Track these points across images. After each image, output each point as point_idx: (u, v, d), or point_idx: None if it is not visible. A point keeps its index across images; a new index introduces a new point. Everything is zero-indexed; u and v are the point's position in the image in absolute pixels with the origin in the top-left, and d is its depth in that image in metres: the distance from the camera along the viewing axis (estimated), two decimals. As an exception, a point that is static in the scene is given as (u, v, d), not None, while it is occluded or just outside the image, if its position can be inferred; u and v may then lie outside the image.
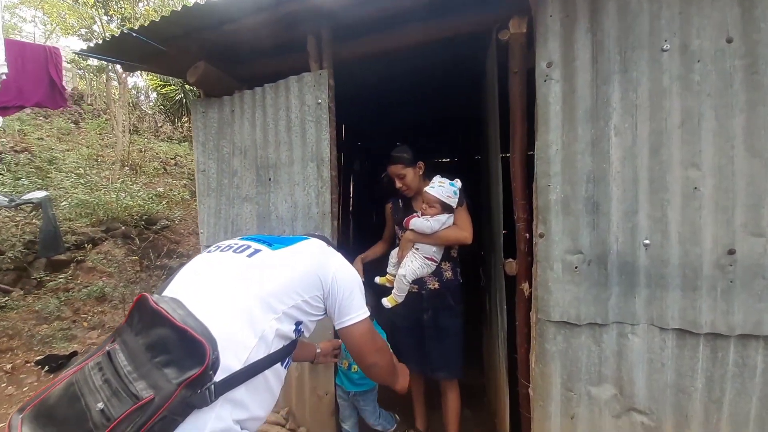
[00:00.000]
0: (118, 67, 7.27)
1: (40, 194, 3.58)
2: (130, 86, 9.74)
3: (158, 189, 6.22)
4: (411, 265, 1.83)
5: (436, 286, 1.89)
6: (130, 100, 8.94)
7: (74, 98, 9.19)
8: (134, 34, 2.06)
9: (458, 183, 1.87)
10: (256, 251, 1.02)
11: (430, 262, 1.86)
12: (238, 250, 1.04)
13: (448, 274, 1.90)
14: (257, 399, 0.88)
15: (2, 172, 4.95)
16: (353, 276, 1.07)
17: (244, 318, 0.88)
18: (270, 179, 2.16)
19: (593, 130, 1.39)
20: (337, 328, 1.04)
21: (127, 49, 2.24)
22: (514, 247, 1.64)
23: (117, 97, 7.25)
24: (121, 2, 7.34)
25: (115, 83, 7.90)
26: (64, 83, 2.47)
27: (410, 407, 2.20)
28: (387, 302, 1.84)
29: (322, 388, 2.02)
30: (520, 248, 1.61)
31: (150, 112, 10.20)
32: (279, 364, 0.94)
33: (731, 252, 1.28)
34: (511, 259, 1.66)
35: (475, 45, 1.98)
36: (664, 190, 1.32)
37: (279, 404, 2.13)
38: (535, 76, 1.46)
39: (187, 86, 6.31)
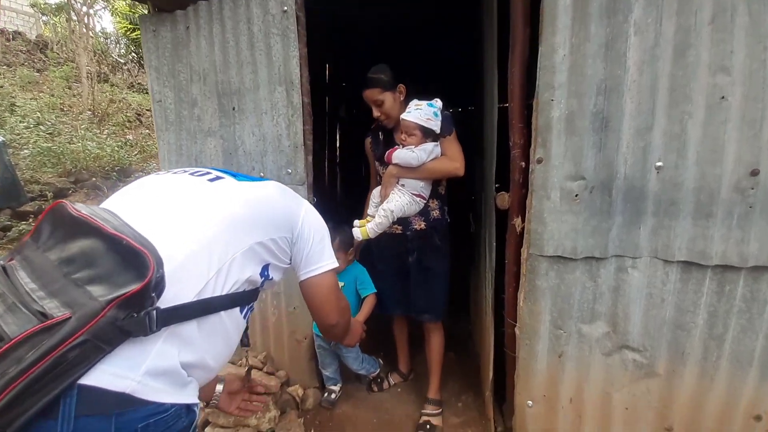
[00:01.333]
0: (77, 4, 6.51)
1: (-10, 138, 3.24)
2: (97, 31, 8.87)
3: (128, 137, 5.81)
4: (399, 200, 1.62)
5: (422, 226, 1.71)
6: (99, 48, 8.17)
7: (39, 46, 8.37)
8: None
9: (438, 103, 1.62)
10: (218, 178, 0.87)
11: (418, 199, 1.67)
12: (195, 174, 0.87)
13: (436, 213, 1.73)
14: (210, 343, 0.73)
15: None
16: (322, 223, 0.95)
17: (202, 244, 0.71)
18: (234, 108, 1.89)
19: (609, 27, 1.15)
20: (302, 278, 0.90)
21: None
22: (508, 179, 1.46)
23: (78, 39, 6.55)
24: None
25: (78, 24, 7.13)
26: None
27: (393, 350, 2.14)
28: (358, 233, 1.64)
29: (301, 333, 1.92)
30: (514, 178, 1.43)
31: (122, 61, 9.42)
32: (238, 310, 0.79)
33: (754, 173, 1.11)
34: (503, 192, 1.49)
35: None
36: (687, 101, 1.12)
37: (256, 348, 2.04)
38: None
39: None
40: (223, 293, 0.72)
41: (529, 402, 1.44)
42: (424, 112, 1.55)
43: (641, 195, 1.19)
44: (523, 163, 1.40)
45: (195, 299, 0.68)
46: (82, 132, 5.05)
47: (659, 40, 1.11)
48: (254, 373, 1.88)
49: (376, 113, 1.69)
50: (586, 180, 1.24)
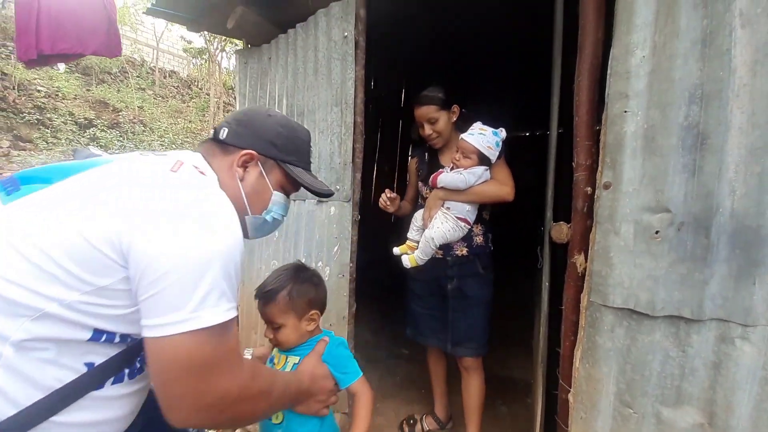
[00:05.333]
0: (212, 47, 8.05)
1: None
2: (224, 67, 10.73)
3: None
4: (441, 227, 1.54)
5: (464, 252, 1.57)
6: (225, 80, 9.90)
7: (187, 83, 10.58)
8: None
9: (503, 133, 1.54)
10: (13, 191, 0.59)
11: (463, 224, 1.54)
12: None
13: (479, 239, 1.57)
14: None
15: (120, 138, 5.90)
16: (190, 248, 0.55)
17: None
18: (298, 128, 2.03)
19: (706, 19, 0.89)
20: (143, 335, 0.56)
21: (183, 4, 2.30)
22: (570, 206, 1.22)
23: (210, 75, 8.06)
24: None
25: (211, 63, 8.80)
26: (120, 32, 2.69)
27: (429, 387, 1.93)
28: (407, 261, 1.60)
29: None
30: (577, 207, 1.18)
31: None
32: (108, 383, 0.60)
33: None
34: (561, 222, 1.25)
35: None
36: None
37: None
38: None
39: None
40: (42, 397, 0.52)
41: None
42: (487, 139, 1.48)
43: (757, 239, 0.85)
44: (589, 188, 1.15)
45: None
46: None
47: (783, 30, 0.81)
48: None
49: (428, 131, 1.63)
50: (671, 213, 0.95)
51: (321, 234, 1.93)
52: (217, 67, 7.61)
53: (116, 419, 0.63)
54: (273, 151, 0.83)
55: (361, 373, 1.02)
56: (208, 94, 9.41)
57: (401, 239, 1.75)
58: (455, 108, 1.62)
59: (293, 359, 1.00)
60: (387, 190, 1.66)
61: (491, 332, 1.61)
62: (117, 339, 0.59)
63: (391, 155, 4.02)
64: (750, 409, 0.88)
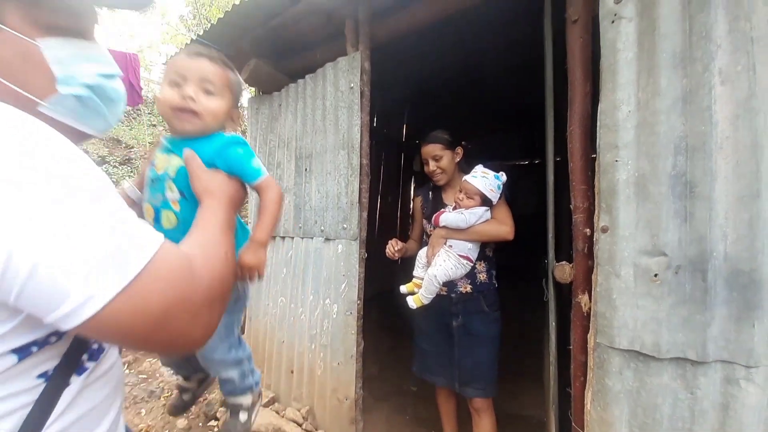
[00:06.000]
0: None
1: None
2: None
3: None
4: (443, 265, 1.59)
5: (468, 289, 1.61)
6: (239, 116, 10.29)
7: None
8: (203, 41, 2.26)
9: (504, 177, 1.63)
10: None
11: (465, 261, 1.59)
12: None
13: (482, 276, 1.60)
14: None
15: (131, 173, 6.08)
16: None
17: None
18: (306, 169, 2.13)
19: (685, 79, 0.97)
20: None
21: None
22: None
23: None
24: (209, 8, 8.52)
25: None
26: (141, 84, 2.87)
27: (439, 429, 1.89)
28: (412, 302, 1.63)
29: (342, 392, 1.86)
30: (578, 248, 1.24)
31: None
32: (74, 378, 0.51)
33: None
34: (564, 262, 1.29)
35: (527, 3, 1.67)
36: (813, 161, 0.85)
37: (301, 401, 2.03)
38: (599, 23, 1.11)
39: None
40: None
41: None
42: (489, 182, 1.56)
43: (752, 282, 0.89)
44: (588, 230, 1.21)
45: None
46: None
47: (756, 88, 0.89)
48: (292, 428, 1.86)
49: (432, 167, 1.72)
50: (668, 257, 0.99)
51: (328, 271, 1.97)
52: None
53: (106, 397, 0.57)
54: None
55: (265, 173, 0.83)
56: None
57: (407, 274, 1.79)
58: (459, 149, 1.71)
59: (174, 160, 0.79)
60: (393, 241, 1.71)
61: (500, 370, 1.61)
62: (54, 339, 0.47)
63: (393, 188, 4.12)
64: (763, 453, 0.88)
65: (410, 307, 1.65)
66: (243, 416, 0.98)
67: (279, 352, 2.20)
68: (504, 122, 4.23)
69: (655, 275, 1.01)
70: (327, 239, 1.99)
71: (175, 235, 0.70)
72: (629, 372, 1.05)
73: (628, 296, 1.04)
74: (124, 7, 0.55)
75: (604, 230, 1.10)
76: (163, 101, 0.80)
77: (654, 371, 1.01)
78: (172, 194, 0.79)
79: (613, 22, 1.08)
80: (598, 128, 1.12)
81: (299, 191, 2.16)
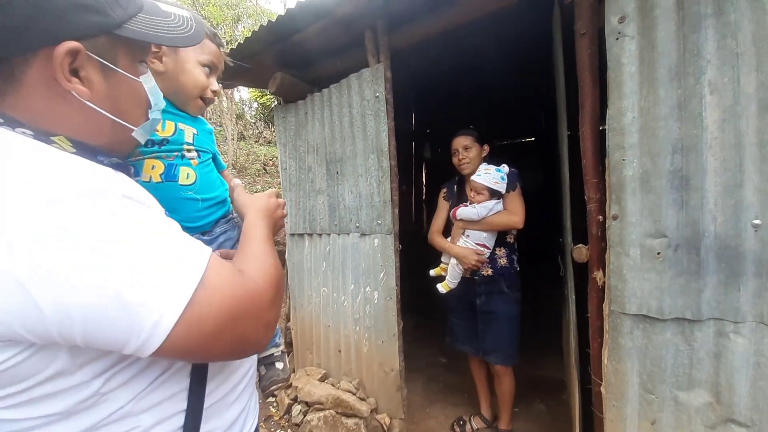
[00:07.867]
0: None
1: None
2: (236, 100, 11.27)
3: (257, 186, 7.16)
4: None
5: (489, 272, 1.86)
6: (237, 112, 10.39)
7: (205, 117, 11.11)
8: (228, 59, 2.42)
9: (505, 168, 1.86)
10: None
11: (482, 248, 1.83)
12: None
13: (503, 260, 1.85)
14: None
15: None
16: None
17: None
18: (338, 172, 2.34)
19: (680, 89, 1.16)
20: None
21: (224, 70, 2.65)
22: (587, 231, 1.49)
23: (226, 110, 8.51)
24: (224, 27, 8.54)
25: (224, 99, 9.28)
26: None
27: (475, 390, 2.18)
28: (441, 288, 1.89)
29: (388, 365, 2.14)
30: (592, 232, 1.45)
31: (252, 120, 11.68)
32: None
33: None
34: (580, 245, 1.51)
35: (537, 12, 1.83)
36: (785, 155, 1.04)
37: (351, 374, 2.33)
38: (604, 36, 1.29)
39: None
40: None
41: (623, 469, 1.36)
42: (492, 176, 1.77)
43: (737, 255, 1.11)
44: (601, 217, 1.42)
45: None
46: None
47: (739, 97, 1.08)
48: (348, 397, 2.15)
49: (461, 156, 1.95)
50: (668, 238, 1.21)
51: (366, 263, 2.21)
52: (231, 100, 8.06)
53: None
54: (93, 19, 0.47)
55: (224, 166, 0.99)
56: (220, 126, 9.92)
57: (435, 261, 2.05)
58: (486, 146, 1.95)
59: (189, 130, 0.87)
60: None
61: (519, 344, 1.88)
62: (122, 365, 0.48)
63: (407, 176, 4.34)
64: (748, 387, 1.12)
65: (440, 293, 1.92)
66: (279, 364, 1.09)
67: (326, 336, 2.48)
68: (509, 106, 4.36)
69: (658, 253, 1.23)
70: (363, 234, 2.22)
71: (193, 189, 0.84)
72: (638, 332, 1.29)
73: (636, 271, 1.27)
74: (183, 45, 0.60)
75: (615, 217, 1.31)
76: (196, 83, 0.85)
77: (658, 330, 1.25)
78: (190, 154, 0.87)
79: (617, 39, 1.25)
80: (607, 131, 1.31)
81: (332, 192, 2.38)
